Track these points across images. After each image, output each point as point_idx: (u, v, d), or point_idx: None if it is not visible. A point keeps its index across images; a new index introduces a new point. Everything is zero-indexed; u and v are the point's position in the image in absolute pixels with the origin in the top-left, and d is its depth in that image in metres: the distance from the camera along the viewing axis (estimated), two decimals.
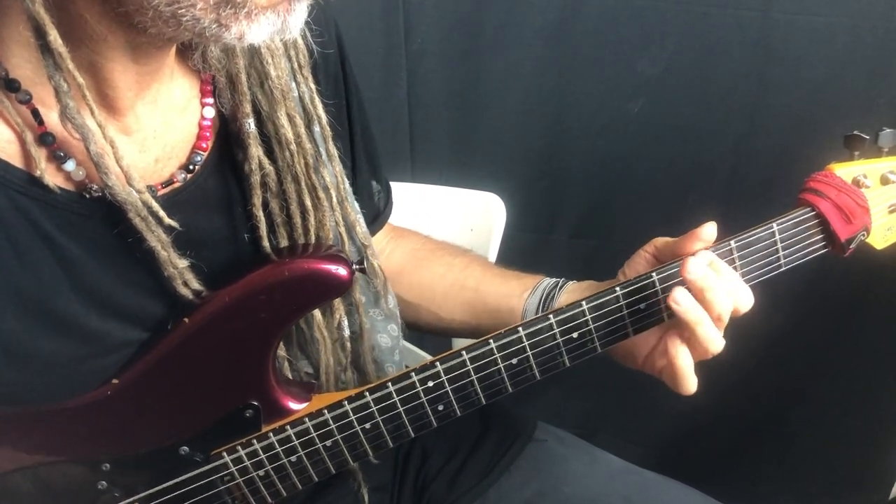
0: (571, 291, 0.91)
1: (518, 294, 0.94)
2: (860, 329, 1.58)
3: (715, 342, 0.76)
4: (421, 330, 1.04)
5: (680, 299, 0.75)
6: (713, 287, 0.74)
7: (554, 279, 0.94)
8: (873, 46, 1.39)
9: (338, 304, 0.86)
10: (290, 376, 0.85)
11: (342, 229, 0.85)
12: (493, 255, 1.29)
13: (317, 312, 0.84)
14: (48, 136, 0.66)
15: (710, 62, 1.50)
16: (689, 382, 0.78)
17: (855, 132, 0.81)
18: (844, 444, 1.69)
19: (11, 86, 0.64)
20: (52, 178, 0.66)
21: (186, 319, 0.73)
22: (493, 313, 0.95)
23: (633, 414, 1.84)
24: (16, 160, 0.65)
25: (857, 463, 1.68)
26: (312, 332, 0.85)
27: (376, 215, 1.00)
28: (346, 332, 0.88)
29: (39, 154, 0.65)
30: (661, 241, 0.84)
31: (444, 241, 1.07)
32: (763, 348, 1.60)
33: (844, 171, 0.81)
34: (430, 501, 0.98)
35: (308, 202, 0.81)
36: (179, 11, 0.59)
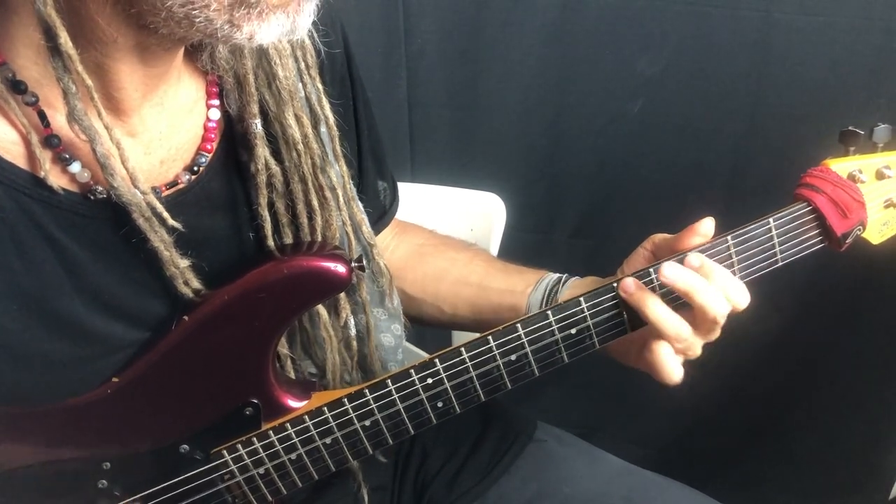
0: (574, 287, 0.91)
1: (521, 291, 0.94)
2: (860, 328, 1.58)
3: (672, 324, 0.76)
4: (424, 324, 1.04)
5: (628, 285, 0.76)
6: (699, 289, 0.75)
7: (557, 275, 0.95)
8: (873, 46, 1.39)
9: (344, 302, 0.86)
10: (293, 375, 0.85)
11: (349, 229, 0.86)
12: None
13: (323, 311, 0.84)
14: (54, 138, 0.66)
15: (710, 62, 1.50)
16: (671, 373, 0.78)
17: (850, 128, 0.81)
18: (844, 444, 1.69)
19: (18, 87, 0.64)
20: (56, 179, 0.66)
21: (186, 318, 0.73)
22: (495, 310, 0.96)
23: (633, 414, 1.84)
24: (21, 162, 0.65)
25: (857, 463, 1.68)
26: (317, 332, 0.85)
27: (382, 213, 1.00)
28: (353, 332, 0.88)
29: (44, 156, 0.65)
30: (659, 237, 0.85)
31: (447, 235, 1.08)
32: (762, 348, 1.60)
33: (840, 166, 0.82)
34: (431, 501, 0.98)
35: (315, 202, 0.81)
36: (193, 12, 0.59)
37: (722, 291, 0.76)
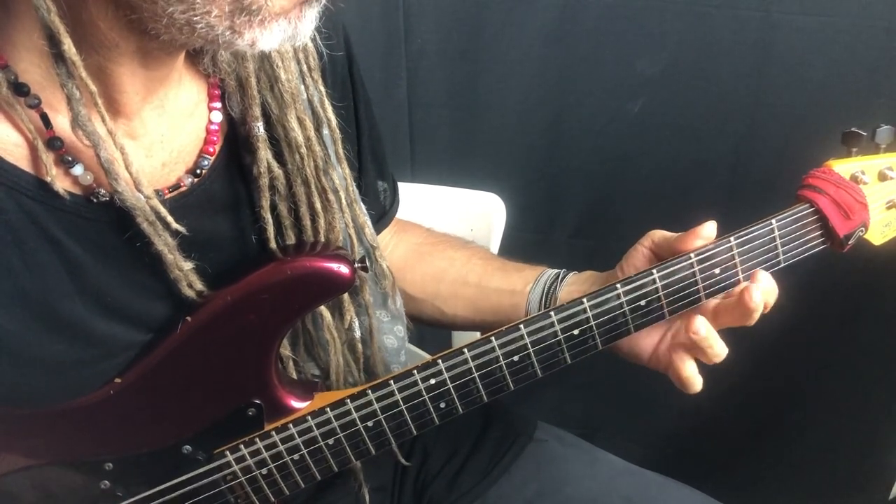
0: (572, 283, 0.92)
1: (520, 289, 0.95)
2: (860, 328, 1.58)
3: (722, 354, 0.81)
4: (424, 324, 1.04)
5: (700, 329, 0.79)
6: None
7: (555, 271, 0.95)
8: (873, 46, 1.39)
9: (348, 304, 0.86)
10: (295, 377, 0.85)
11: (352, 231, 0.86)
12: None
13: (326, 313, 0.84)
14: (56, 141, 0.66)
15: (710, 62, 1.50)
16: (697, 385, 0.83)
17: (852, 129, 0.82)
18: (844, 444, 1.69)
19: (20, 90, 0.64)
20: (59, 182, 0.66)
21: (189, 318, 0.73)
22: (496, 310, 0.96)
23: (633, 414, 1.84)
24: (23, 164, 0.65)
25: (857, 463, 1.68)
26: (320, 334, 0.85)
27: (382, 214, 1.00)
28: (357, 333, 0.88)
29: (48, 159, 0.65)
30: (658, 234, 0.85)
31: (445, 233, 1.08)
32: (762, 348, 1.60)
33: (842, 167, 0.82)
34: (431, 501, 0.98)
35: (318, 205, 0.81)
36: (194, 19, 0.58)
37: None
